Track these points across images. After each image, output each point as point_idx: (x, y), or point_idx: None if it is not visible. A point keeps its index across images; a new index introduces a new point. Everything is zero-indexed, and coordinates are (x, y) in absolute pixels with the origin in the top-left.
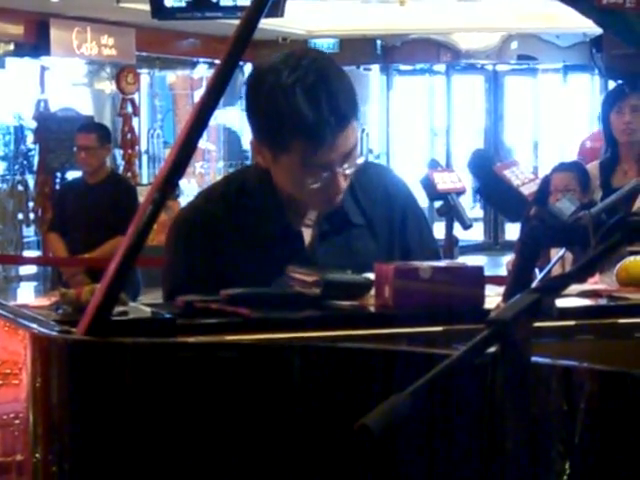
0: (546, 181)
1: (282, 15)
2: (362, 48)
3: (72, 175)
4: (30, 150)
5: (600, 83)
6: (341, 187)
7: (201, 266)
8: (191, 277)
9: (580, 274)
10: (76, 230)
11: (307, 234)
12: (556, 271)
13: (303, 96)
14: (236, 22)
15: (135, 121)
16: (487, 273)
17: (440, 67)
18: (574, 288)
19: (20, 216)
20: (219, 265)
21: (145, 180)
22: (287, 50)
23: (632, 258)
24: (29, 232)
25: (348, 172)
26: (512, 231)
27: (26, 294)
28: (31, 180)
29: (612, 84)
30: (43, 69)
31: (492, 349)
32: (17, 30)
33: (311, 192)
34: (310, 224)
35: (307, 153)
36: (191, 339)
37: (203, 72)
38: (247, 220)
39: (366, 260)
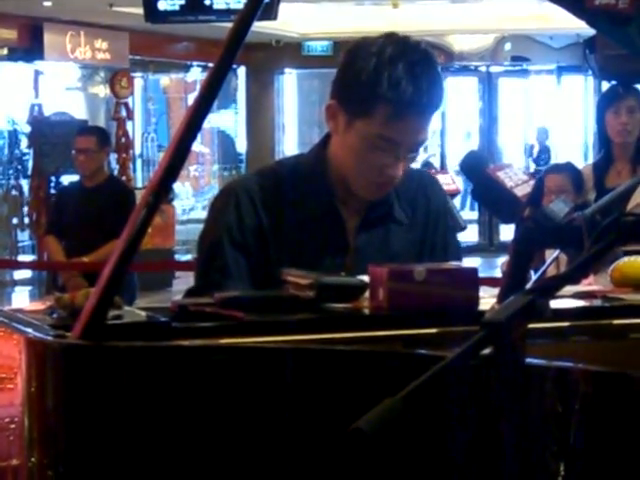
0: (540, 182)
1: (275, 18)
2: None
3: (67, 179)
4: (24, 154)
5: (594, 84)
6: (397, 174)
7: (249, 229)
8: (229, 240)
9: (574, 275)
10: (74, 233)
11: (351, 222)
12: (551, 272)
13: (405, 69)
14: (229, 25)
15: (129, 125)
16: (482, 275)
17: None
18: (568, 289)
19: (14, 220)
20: (260, 237)
21: (139, 184)
22: (286, 62)
23: (626, 259)
24: (24, 237)
25: (407, 164)
26: (507, 232)
27: (21, 299)
28: (25, 184)
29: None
30: (37, 73)
31: (487, 351)
32: (10, 34)
33: (368, 170)
34: (355, 213)
35: (389, 120)
36: (186, 342)
37: (197, 75)
38: (295, 199)
39: (400, 257)
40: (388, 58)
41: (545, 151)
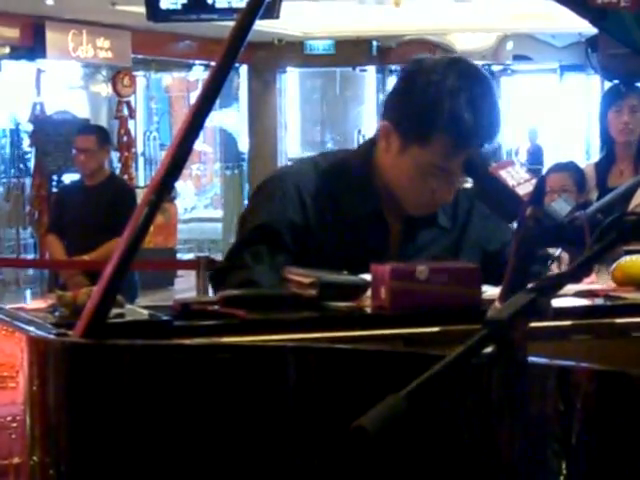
0: (542, 181)
1: (277, 17)
2: (358, 49)
3: (68, 178)
4: (26, 153)
5: (596, 83)
6: (448, 199)
7: (291, 224)
8: (269, 227)
9: (576, 274)
10: (75, 232)
11: (395, 227)
12: (553, 271)
13: (467, 102)
14: (231, 24)
15: (131, 123)
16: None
17: None
18: (570, 288)
19: (16, 219)
20: (302, 229)
21: (141, 182)
22: (287, 60)
23: (628, 258)
24: (25, 235)
25: (459, 186)
26: None
27: (23, 297)
28: (27, 183)
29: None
30: (39, 72)
31: (489, 349)
32: (13, 33)
33: (420, 192)
34: (399, 218)
35: (445, 151)
36: (188, 341)
37: (199, 74)
38: (341, 200)
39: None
40: (450, 88)
41: (536, 151)
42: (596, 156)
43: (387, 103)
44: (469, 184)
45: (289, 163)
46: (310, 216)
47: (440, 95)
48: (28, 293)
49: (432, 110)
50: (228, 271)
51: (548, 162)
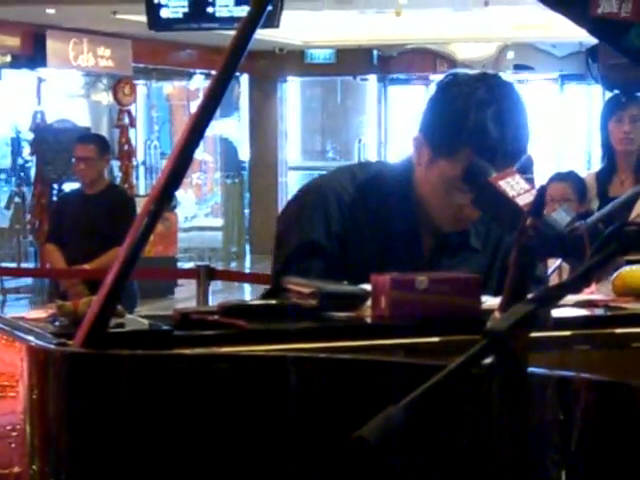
0: (542, 191)
1: (278, 26)
2: (358, 58)
3: (69, 186)
4: (27, 162)
5: (597, 93)
6: (474, 214)
7: (325, 237)
8: (313, 244)
9: (576, 284)
10: (74, 241)
11: (428, 245)
12: (553, 281)
13: (494, 116)
14: (232, 33)
15: (132, 132)
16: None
17: (437, 77)
18: (570, 298)
19: (17, 228)
20: (339, 244)
21: (142, 191)
22: (289, 70)
23: (628, 268)
24: (26, 244)
25: None
26: None
27: (23, 306)
28: (28, 192)
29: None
30: (40, 81)
31: (488, 360)
32: (14, 42)
33: (446, 206)
34: (434, 236)
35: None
36: (188, 351)
37: (200, 83)
38: (379, 212)
39: None
40: (477, 101)
41: (524, 161)
42: (597, 166)
43: (422, 115)
44: None
45: (290, 172)
46: (349, 229)
47: (467, 107)
48: (28, 302)
49: (458, 122)
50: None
51: (546, 172)
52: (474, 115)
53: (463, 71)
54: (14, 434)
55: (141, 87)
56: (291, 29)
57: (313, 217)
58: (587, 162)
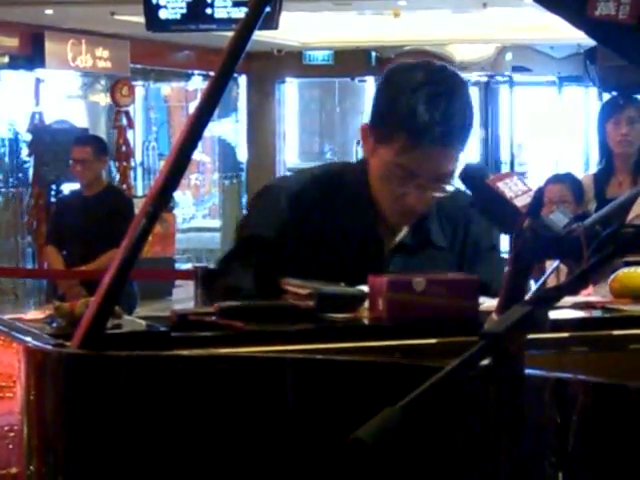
0: (540, 193)
1: (276, 27)
2: (356, 60)
3: (67, 187)
4: (25, 162)
5: (595, 94)
6: (420, 204)
7: (273, 234)
8: (259, 239)
9: (573, 286)
10: (73, 243)
11: (390, 244)
12: (550, 283)
13: (425, 98)
14: (230, 34)
15: (130, 133)
16: None
17: None
18: (568, 300)
19: (15, 229)
20: (294, 242)
21: (140, 192)
22: (287, 71)
23: (626, 269)
24: (24, 245)
25: (434, 195)
26: (506, 243)
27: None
28: (26, 193)
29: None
30: (38, 81)
31: (486, 361)
32: (12, 42)
33: (390, 197)
34: (394, 236)
35: (403, 150)
36: (185, 352)
37: (198, 84)
38: (337, 211)
39: None
40: (412, 86)
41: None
42: (594, 167)
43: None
44: (443, 193)
45: (287, 173)
46: (302, 228)
47: (401, 92)
48: (26, 303)
49: (392, 109)
50: (217, 276)
51: (543, 175)
52: (406, 99)
53: (409, 61)
54: (11, 435)
55: (139, 88)
56: (289, 30)
57: (263, 214)
58: (585, 164)
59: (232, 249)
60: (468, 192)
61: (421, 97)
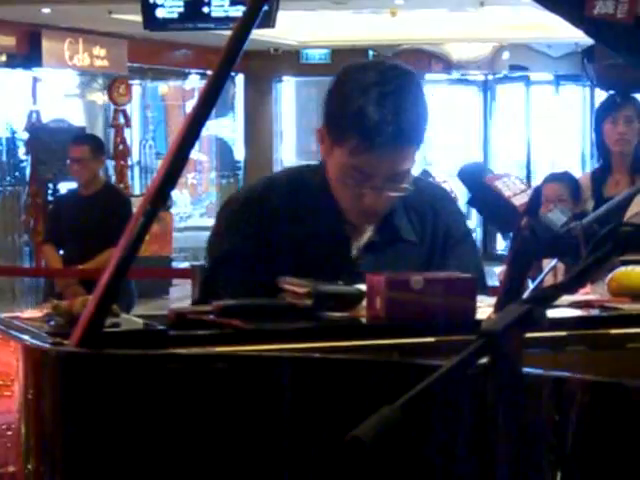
0: (537, 192)
1: (274, 26)
2: (353, 58)
3: (64, 186)
4: (22, 161)
5: (592, 93)
6: (378, 204)
7: (249, 246)
8: (237, 253)
9: (571, 285)
10: (71, 241)
11: (358, 243)
12: (548, 282)
13: (375, 98)
14: (228, 33)
15: (127, 132)
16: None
17: (431, 77)
18: (565, 299)
19: (12, 227)
20: (266, 250)
21: (137, 191)
22: (284, 70)
23: (623, 268)
24: (21, 243)
25: (392, 194)
26: (503, 242)
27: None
28: (23, 191)
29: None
30: (35, 80)
31: (483, 360)
32: (9, 41)
33: (347, 198)
34: (362, 234)
35: (356, 151)
36: (183, 351)
37: (195, 83)
38: (302, 215)
39: None
40: (362, 87)
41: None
42: (592, 166)
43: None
44: (400, 192)
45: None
46: (270, 235)
47: (351, 94)
48: (23, 302)
49: (343, 110)
50: (204, 299)
51: (544, 173)
52: (356, 100)
53: (364, 60)
54: (9, 433)
55: (136, 87)
56: (286, 29)
57: (231, 229)
58: (582, 162)
59: (211, 269)
60: (433, 184)
61: (371, 98)
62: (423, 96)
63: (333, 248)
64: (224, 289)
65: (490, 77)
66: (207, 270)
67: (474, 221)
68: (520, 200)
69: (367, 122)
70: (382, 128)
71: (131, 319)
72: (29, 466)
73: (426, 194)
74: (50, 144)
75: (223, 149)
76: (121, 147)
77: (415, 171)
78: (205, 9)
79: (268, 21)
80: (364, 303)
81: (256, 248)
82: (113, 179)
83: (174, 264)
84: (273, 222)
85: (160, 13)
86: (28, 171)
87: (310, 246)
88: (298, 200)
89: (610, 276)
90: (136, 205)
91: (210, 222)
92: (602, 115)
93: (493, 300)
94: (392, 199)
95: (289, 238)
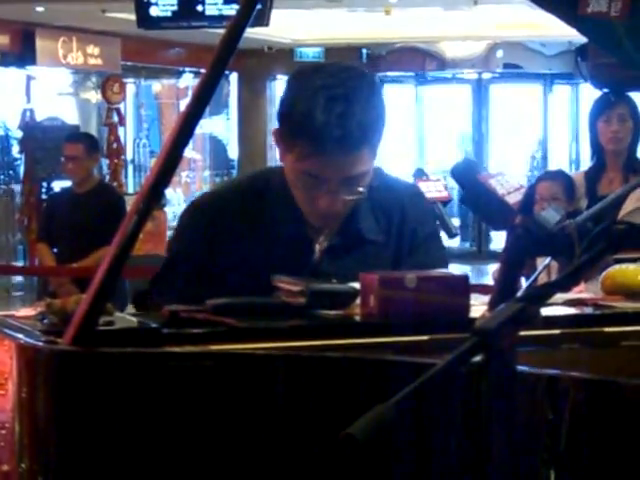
0: (531, 190)
1: (267, 24)
2: (348, 57)
3: (58, 185)
4: (16, 160)
5: (585, 91)
6: (334, 207)
7: (197, 251)
8: (181, 258)
9: (565, 283)
10: (64, 240)
11: (320, 245)
12: (542, 280)
13: (323, 102)
14: (222, 31)
15: (121, 130)
16: (472, 282)
17: (426, 75)
18: (559, 297)
19: (6, 226)
20: (219, 254)
21: (131, 189)
22: (278, 68)
23: (617, 266)
24: (15, 242)
25: (348, 198)
26: (497, 240)
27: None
28: (17, 190)
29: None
30: (29, 79)
31: (477, 358)
32: (3, 40)
33: (303, 201)
34: (326, 237)
35: (304, 156)
36: (177, 349)
37: (189, 81)
38: (263, 218)
39: None
40: (310, 91)
41: (466, 164)
42: (584, 164)
43: None
44: (357, 195)
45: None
46: (230, 239)
47: (300, 98)
48: (17, 300)
49: (292, 114)
50: (147, 296)
51: (537, 171)
52: (304, 103)
53: (308, 65)
54: (3, 432)
55: (130, 85)
56: (280, 27)
57: (185, 232)
58: (574, 161)
59: (161, 268)
60: (402, 181)
61: (318, 101)
62: (377, 98)
63: (295, 251)
64: (164, 293)
65: (484, 75)
66: (160, 269)
67: (470, 219)
68: (514, 198)
69: (313, 127)
70: (328, 133)
71: (125, 317)
72: (23, 465)
73: (394, 192)
74: (44, 142)
75: (217, 147)
76: (115, 145)
77: (409, 169)
78: (199, 7)
79: (262, 19)
80: (358, 301)
81: (205, 253)
82: (107, 178)
83: None
84: (231, 225)
85: (154, 11)
86: (22, 170)
87: (271, 249)
88: (260, 203)
89: (604, 274)
90: (130, 204)
91: None
92: (596, 114)
93: (487, 298)
94: (349, 202)
95: (248, 241)
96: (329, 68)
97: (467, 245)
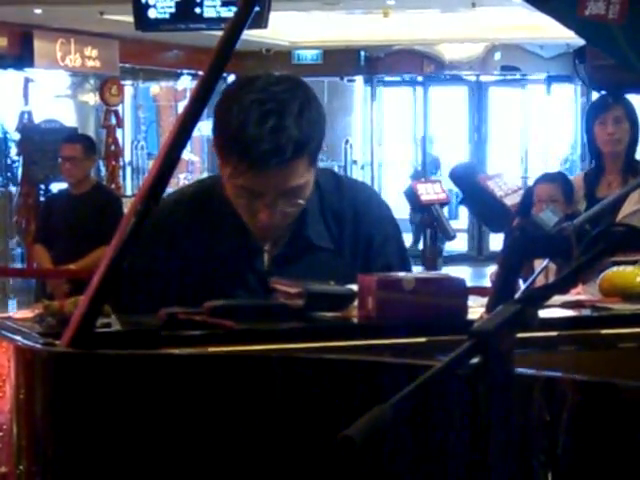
0: (530, 192)
1: (266, 26)
2: (346, 59)
3: (56, 187)
4: (14, 162)
5: (584, 94)
6: (273, 219)
7: (145, 264)
8: (133, 270)
9: (563, 285)
10: (61, 241)
11: (269, 254)
12: (540, 282)
13: (254, 119)
14: (220, 33)
15: (119, 132)
16: (470, 284)
17: (424, 78)
18: (557, 299)
19: (3, 228)
20: (165, 266)
21: (129, 191)
22: (275, 70)
23: (615, 269)
24: (12, 244)
25: (287, 210)
26: (496, 242)
27: (10, 306)
28: (15, 192)
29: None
30: (27, 81)
31: (475, 360)
32: (0, 42)
33: (243, 214)
34: (275, 245)
35: (237, 172)
36: (175, 351)
37: (187, 83)
38: (210, 228)
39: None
40: (242, 105)
41: (433, 162)
42: (583, 167)
43: None
44: (296, 207)
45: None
46: (176, 251)
47: (231, 111)
48: (15, 302)
49: (224, 126)
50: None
51: (536, 173)
52: (235, 118)
53: (245, 77)
54: (1, 434)
55: (128, 87)
56: (278, 30)
57: (136, 252)
58: (573, 163)
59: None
60: (359, 184)
61: (249, 116)
62: (314, 108)
63: (244, 260)
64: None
65: (482, 78)
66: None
67: (466, 221)
68: (512, 200)
69: (245, 143)
70: (261, 148)
71: (123, 319)
72: (21, 467)
73: (348, 198)
74: (42, 145)
75: None
76: (113, 147)
77: (407, 171)
78: (197, 10)
79: (260, 22)
80: (356, 303)
81: (152, 264)
82: (105, 179)
83: None
84: (175, 237)
85: (152, 14)
86: (20, 172)
87: (220, 259)
88: (205, 214)
89: (602, 276)
90: (128, 206)
91: None
92: (592, 116)
93: (485, 300)
94: (289, 214)
95: (196, 251)
96: (261, 82)
97: (465, 247)
